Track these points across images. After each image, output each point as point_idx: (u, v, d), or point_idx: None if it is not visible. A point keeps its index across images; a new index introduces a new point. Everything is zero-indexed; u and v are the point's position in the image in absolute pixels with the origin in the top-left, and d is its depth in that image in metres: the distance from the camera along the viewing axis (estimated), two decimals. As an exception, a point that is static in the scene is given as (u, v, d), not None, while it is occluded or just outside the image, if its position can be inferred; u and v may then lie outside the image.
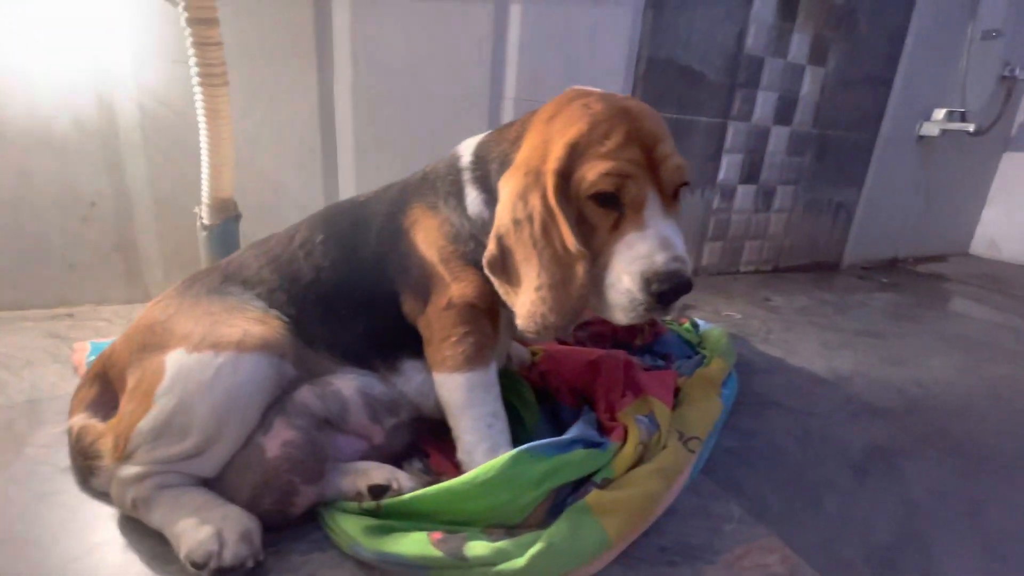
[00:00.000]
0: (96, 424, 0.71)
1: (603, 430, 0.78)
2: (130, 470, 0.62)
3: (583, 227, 0.65)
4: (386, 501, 0.62)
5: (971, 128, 2.18)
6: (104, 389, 0.74)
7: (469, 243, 0.73)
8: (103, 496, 0.67)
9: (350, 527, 0.59)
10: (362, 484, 0.64)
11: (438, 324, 0.72)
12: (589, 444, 0.69)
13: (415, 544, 0.56)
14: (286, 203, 1.36)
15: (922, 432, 1.01)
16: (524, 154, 0.68)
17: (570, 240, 0.63)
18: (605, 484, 0.66)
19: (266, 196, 1.34)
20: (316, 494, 0.64)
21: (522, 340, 1.13)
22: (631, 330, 1.19)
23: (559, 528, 0.59)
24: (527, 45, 1.49)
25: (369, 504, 0.62)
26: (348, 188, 1.39)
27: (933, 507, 0.80)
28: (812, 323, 1.62)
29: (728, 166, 1.99)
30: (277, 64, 1.27)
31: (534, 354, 1.05)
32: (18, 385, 0.90)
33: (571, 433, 0.70)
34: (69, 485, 0.69)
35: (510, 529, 0.62)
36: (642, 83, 1.69)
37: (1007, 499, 0.84)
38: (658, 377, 0.91)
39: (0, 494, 0.67)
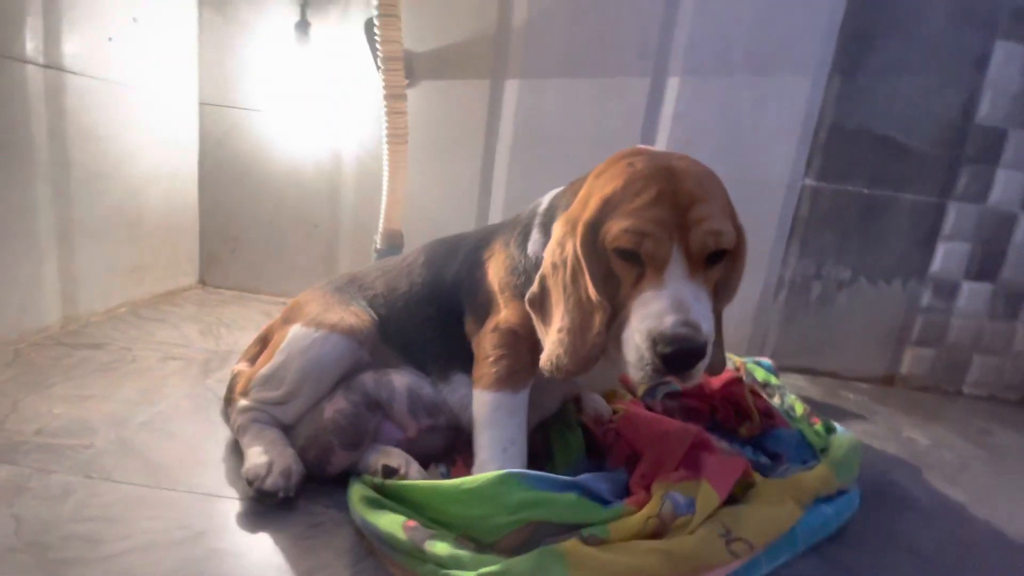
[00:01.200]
0: (246, 369, 0.96)
1: (629, 495, 0.72)
2: (242, 403, 0.83)
3: (611, 280, 0.67)
4: (389, 482, 0.70)
5: None
6: (262, 348, 1.00)
7: (522, 277, 0.80)
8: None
9: (354, 493, 0.69)
10: (380, 462, 0.74)
11: (483, 344, 0.79)
12: (591, 495, 0.66)
13: (390, 523, 0.62)
14: (442, 231, 1.61)
15: None
16: (572, 205, 0.73)
17: (591, 289, 0.65)
18: (592, 541, 0.62)
19: (428, 234, 1.61)
20: (350, 460, 0.76)
21: (608, 395, 1.10)
22: (738, 415, 1.05)
23: (521, 561, 0.58)
24: (681, 115, 1.51)
25: (377, 480, 0.71)
26: (498, 218, 1.58)
27: None
28: None
29: (947, 256, 1.61)
30: (454, 130, 1.55)
31: (615, 412, 1.02)
32: (227, 339, 1.26)
33: (576, 477, 0.67)
34: (217, 408, 0.94)
35: (480, 545, 0.63)
36: (822, 152, 1.53)
37: None
38: (725, 462, 0.80)
39: (176, 404, 0.96)
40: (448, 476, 0.79)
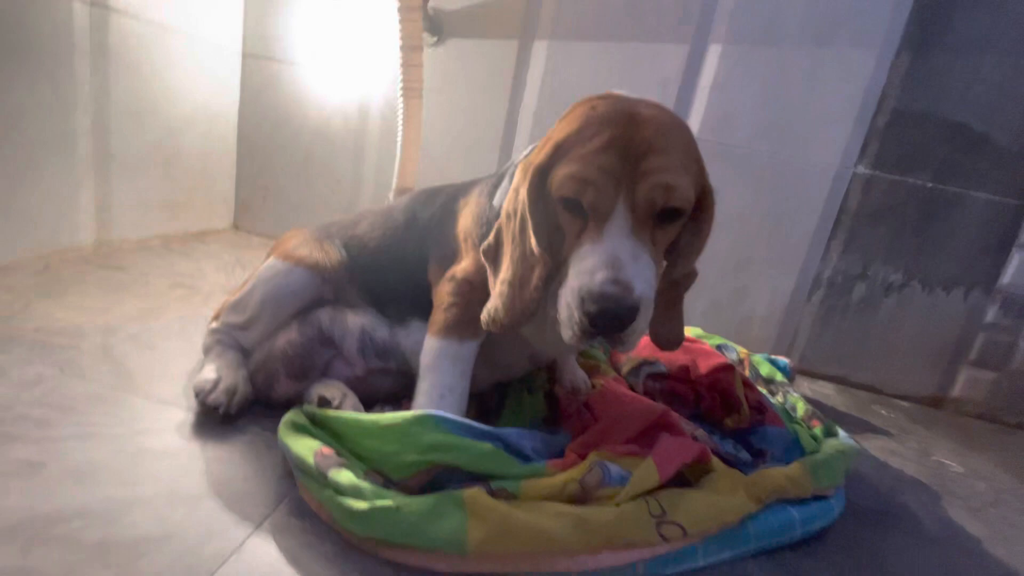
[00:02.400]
0: (232, 300, 1.00)
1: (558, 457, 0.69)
2: (212, 325, 0.87)
3: (558, 233, 0.62)
4: (321, 411, 0.70)
5: None
6: None
7: (484, 227, 0.77)
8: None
9: (285, 418, 0.69)
10: (318, 392, 0.74)
11: (439, 292, 0.78)
12: (511, 449, 0.63)
13: (303, 447, 0.62)
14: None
15: None
16: (533, 151, 0.69)
17: (533, 241, 0.61)
18: (500, 494, 0.59)
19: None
20: (294, 389, 0.77)
21: (591, 368, 1.06)
22: (725, 406, 0.97)
23: (418, 501, 0.56)
24: (720, 86, 1.40)
25: (310, 408, 0.71)
26: None
27: None
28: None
29: (1021, 267, 1.40)
30: (477, 90, 1.53)
31: (594, 387, 0.98)
32: (239, 277, 1.32)
33: (499, 429, 0.65)
34: (202, 332, 0.99)
35: (388, 481, 0.61)
36: (879, 137, 1.37)
37: None
38: (679, 444, 0.74)
39: (167, 324, 1.01)
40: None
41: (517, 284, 0.62)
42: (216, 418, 0.74)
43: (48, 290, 1.04)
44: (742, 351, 1.22)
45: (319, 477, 0.59)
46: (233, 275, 1.34)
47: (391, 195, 1.47)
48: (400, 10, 1.21)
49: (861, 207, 1.42)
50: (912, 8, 1.29)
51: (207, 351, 0.84)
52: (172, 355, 0.90)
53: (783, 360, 1.28)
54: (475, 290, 0.74)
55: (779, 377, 1.14)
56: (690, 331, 1.20)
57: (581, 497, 0.62)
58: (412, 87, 1.29)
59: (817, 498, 0.76)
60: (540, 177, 0.61)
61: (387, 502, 0.56)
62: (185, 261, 1.38)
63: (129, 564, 0.49)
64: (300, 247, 0.87)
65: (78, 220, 1.25)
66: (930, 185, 1.38)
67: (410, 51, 1.25)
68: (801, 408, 1.02)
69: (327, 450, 0.63)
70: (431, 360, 0.74)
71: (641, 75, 1.44)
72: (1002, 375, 1.47)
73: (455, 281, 0.76)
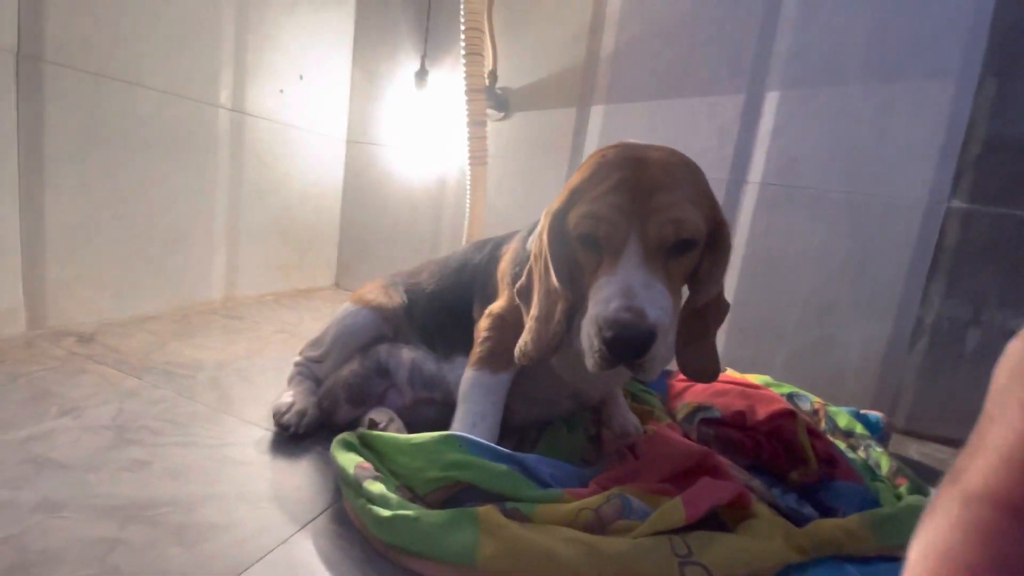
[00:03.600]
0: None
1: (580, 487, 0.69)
2: (295, 359, 1.01)
3: (577, 269, 0.68)
4: (368, 432, 0.78)
5: None
6: None
7: (518, 267, 0.84)
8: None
9: (339, 437, 0.78)
10: (369, 417, 0.83)
11: (478, 327, 0.85)
12: (528, 473, 0.65)
13: (347, 461, 0.70)
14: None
15: None
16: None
17: (553, 278, 0.67)
18: (513, 515, 0.61)
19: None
20: (353, 414, 0.87)
21: (644, 413, 1.04)
22: (791, 459, 0.89)
23: (436, 513, 0.60)
24: (781, 129, 1.38)
25: (361, 430, 0.79)
26: None
27: None
28: None
29: None
30: (539, 155, 1.66)
31: (646, 432, 0.97)
32: (327, 324, 1.51)
33: (520, 454, 0.67)
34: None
35: (413, 496, 0.66)
36: (974, 168, 1.25)
37: None
38: (715, 484, 0.70)
39: (267, 361, 1.19)
40: (433, 446, 0.84)
41: (543, 319, 0.68)
42: (287, 436, 0.85)
43: (182, 333, 1.28)
44: (817, 400, 1.12)
45: (356, 487, 0.66)
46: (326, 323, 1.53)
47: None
48: (467, 92, 1.39)
49: (962, 245, 1.28)
50: (990, 32, 1.21)
51: (289, 381, 0.98)
52: (265, 386, 1.05)
53: (875, 415, 1.15)
54: (508, 325, 0.81)
55: (859, 430, 1.02)
56: (755, 378, 1.13)
57: (595, 526, 0.62)
58: (478, 156, 1.44)
59: (884, 558, 0.67)
60: (558, 220, 0.68)
61: (408, 512, 0.60)
62: (290, 313, 1.60)
63: (196, 544, 0.59)
64: (369, 292, 1.00)
65: (212, 281, 1.53)
66: (1041, 216, 1.22)
67: (476, 126, 1.42)
68: (886, 464, 0.91)
69: (366, 464, 0.70)
70: (466, 389, 0.80)
71: (697, 127, 1.48)
72: None
73: (491, 317, 0.83)
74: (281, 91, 1.62)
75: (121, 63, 1.21)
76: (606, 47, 1.55)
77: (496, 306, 0.83)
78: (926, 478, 0.89)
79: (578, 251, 0.66)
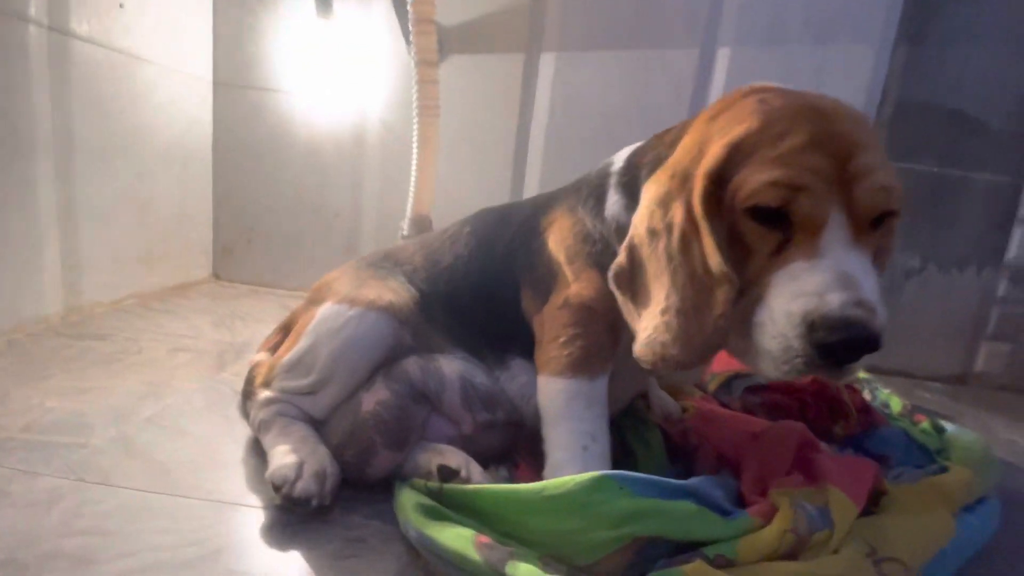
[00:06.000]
0: (266, 359, 0.84)
1: (741, 504, 0.59)
2: (264, 394, 0.71)
3: (735, 248, 0.53)
4: (449, 486, 0.56)
5: None
6: (284, 336, 0.89)
7: (598, 244, 0.67)
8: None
9: (405, 500, 0.56)
10: (434, 463, 0.60)
11: (550, 323, 0.67)
12: (708, 503, 0.52)
13: (458, 539, 0.49)
14: (473, 228, 1.50)
15: None
16: (675, 155, 0.60)
17: (714, 258, 0.51)
18: (720, 562, 0.49)
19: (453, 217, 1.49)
20: (394, 461, 0.63)
21: (674, 390, 0.97)
22: (832, 412, 0.90)
23: (632, 588, 0.45)
24: (734, 86, 1.39)
25: (433, 484, 0.57)
26: None
27: None
28: None
29: (1023, 242, 1.46)
30: (485, 108, 1.44)
31: (685, 410, 0.89)
32: (243, 332, 1.14)
33: (687, 482, 0.54)
34: (233, 403, 0.82)
35: (573, 569, 0.49)
36: (888, 129, 1.40)
37: None
38: (850, 465, 0.66)
39: (187, 398, 0.83)
40: (512, 481, 0.65)
41: (691, 311, 0.53)
42: (305, 513, 0.58)
43: (23, 374, 0.83)
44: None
45: (484, 567, 0.46)
46: (236, 330, 1.16)
47: (405, 225, 1.34)
48: (413, 22, 1.11)
49: (877, 197, 1.45)
50: (904, 1, 1.34)
51: (264, 428, 0.68)
52: (210, 438, 0.73)
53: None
54: (597, 317, 0.65)
55: (862, 374, 1.10)
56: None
57: (796, 549, 0.52)
58: (428, 105, 1.18)
59: (979, 500, 0.70)
60: (716, 185, 0.53)
61: (596, 596, 0.43)
62: (173, 320, 1.18)
63: None
64: (363, 288, 0.74)
65: (43, 286, 1.03)
66: (936, 170, 1.43)
67: (425, 66, 1.15)
68: (896, 404, 0.99)
69: (484, 538, 0.50)
70: (562, 405, 0.63)
71: (652, 81, 1.41)
72: (1017, 346, 1.52)
73: (571, 308, 0.66)
74: (121, 5, 1.11)
75: None
76: (555, -15, 1.38)
77: (575, 294, 0.66)
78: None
79: (745, 226, 0.52)
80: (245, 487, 0.63)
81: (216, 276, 1.57)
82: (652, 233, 0.57)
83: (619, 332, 0.66)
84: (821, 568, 0.50)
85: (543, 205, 0.78)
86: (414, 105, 1.19)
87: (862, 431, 0.88)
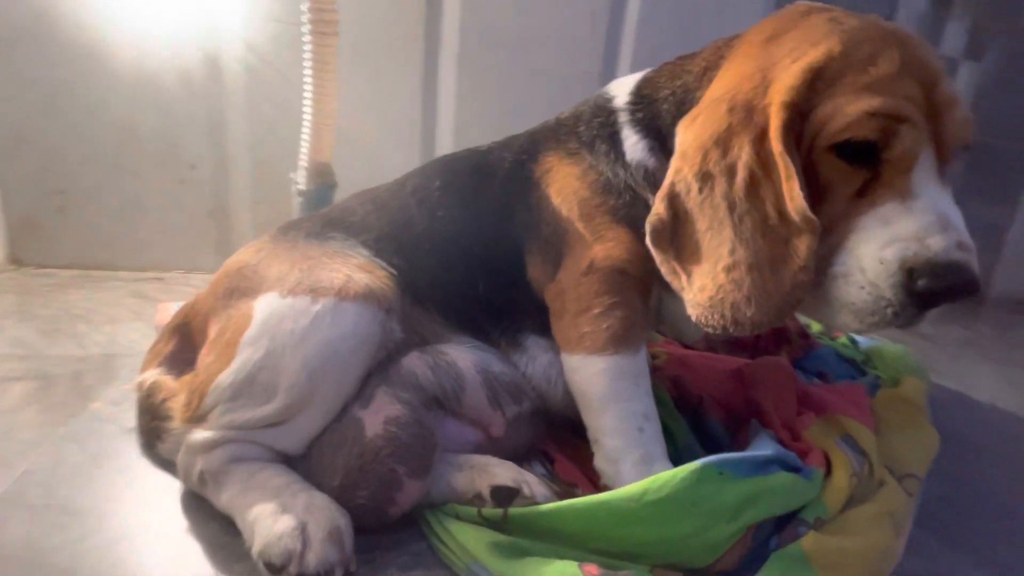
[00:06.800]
0: (169, 380, 0.60)
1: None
2: (201, 435, 0.50)
3: (809, 190, 0.47)
4: (515, 510, 0.46)
5: None
6: (184, 343, 0.65)
7: (624, 195, 0.58)
8: (168, 465, 0.55)
9: (469, 540, 0.44)
10: (483, 484, 0.49)
11: (575, 293, 0.57)
12: (787, 467, 0.50)
13: (560, 574, 0.40)
14: (382, 179, 1.27)
15: None
16: (725, 85, 0.51)
17: (798, 201, 0.45)
18: (819, 525, 0.47)
19: (361, 171, 1.24)
20: (422, 491, 0.49)
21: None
22: (777, 339, 0.97)
23: (766, 581, 0.41)
24: (647, 21, 1.34)
25: (493, 512, 0.46)
26: None
27: None
28: (984, 356, 1.32)
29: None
30: (384, 35, 1.19)
31: (656, 357, 0.87)
32: (95, 338, 0.83)
33: (763, 449, 0.51)
34: (131, 448, 0.58)
35: (688, 571, 0.43)
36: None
37: None
38: (844, 392, 0.70)
39: (53, 451, 0.57)
40: (551, 477, 0.57)
41: (766, 265, 0.47)
42: (325, 588, 0.43)
43: None
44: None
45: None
46: (85, 337, 0.83)
47: (299, 176, 1.08)
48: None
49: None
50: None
51: (215, 482, 0.49)
52: (115, 515, 0.50)
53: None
54: (633, 282, 0.57)
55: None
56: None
57: (856, 487, 0.54)
58: (324, 19, 0.92)
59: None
60: (796, 117, 0.46)
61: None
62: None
63: None
64: (322, 270, 0.55)
65: None
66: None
67: (319, -35, 0.88)
68: (815, 325, 1.10)
69: (592, 567, 0.41)
70: (606, 387, 0.55)
71: (568, 11, 1.30)
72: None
73: (600, 273, 0.56)
74: None
75: None
76: None
77: (603, 256, 0.56)
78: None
79: (827, 165, 0.47)
80: (213, 570, 0.44)
81: (16, 261, 1.12)
82: (704, 177, 0.49)
83: (650, 295, 0.59)
84: (884, 504, 0.52)
85: (528, 150, 0.66)
86: (304, 19, 0.91)
87: (803, 353, 0.97)
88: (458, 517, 0.48)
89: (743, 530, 0.44)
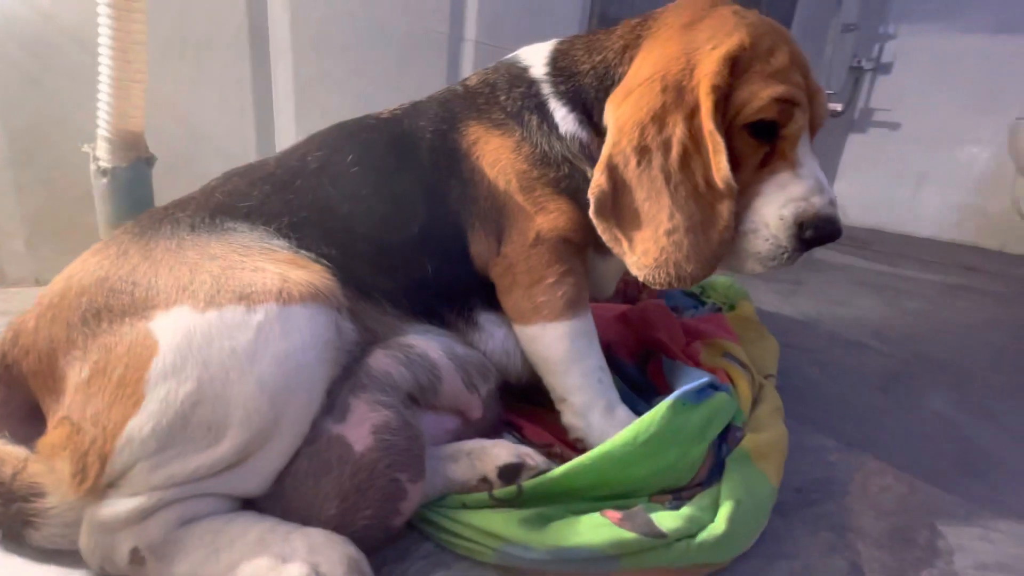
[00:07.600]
0: (11, 449, 0.44)
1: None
2: (123, 505, 0.39)
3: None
4: (528, 483, 0.47)
5: (839, 108, 2.53)
6: (9, 393, 0.47)
7: (562, 167, 0.60)
8: (55, 556, 0.41)
9: (496, 525, 0.43)
10: (486, 467, 0.48)
11: (525, 265, 0.58)
12: (716, 388, 0.61)
13: (599, 530, 0.43)
14: (207, 152, 1.04)
15: (906, 355, 1.11)
16: (652, 66, 0.56)
17: (725, 172, 0.53)
18: (746, 432, 0.59)
19: (180, 143, 1.01)
20: (422, 492, 0.46)
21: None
22: (638, 285, 1.13)
23: (734, 483, 0.50)
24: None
25: (507, 491, 0.46)
26: (287, 134, 1.12)
27: (960, 417, 0.87)
28: (761, 278, 1.73)
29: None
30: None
31: None
32: None
33: (698, 378, 0.60)
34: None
35: (675, 493, 0.51)
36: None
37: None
38: (711, 320, 0.86)
39: None
40: (522, 441, 0.59)
41: (698, 227, 0.54)
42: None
43: None
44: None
45: (655, 541, 0.43)
46: None
47: (97, 151, 0.83)
48: None
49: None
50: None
51: (164, 556, 0.38)
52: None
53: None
54: (578, 249, 0.61)
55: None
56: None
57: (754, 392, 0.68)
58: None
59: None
60: (722, 99, 0.53)
61: (727, 506, 0.47)
62: None
63: None
64: (240, 271, 0.46)
65: None
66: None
67: None
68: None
69: (612, 512, 0.45)
70: (568, 349, 0.58)
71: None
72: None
73: (548, 244, 0.59)
74: None
75: None
76: None
77: (548, 228, 0.58)
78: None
79: (741, 141, 0.55)
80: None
81: None
82: (642, 151, 0.55)
83: (587, 259, 0.63)
84: (772, 401, 0.67)
85: (443, 118, 0.63)
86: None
87: (658, 294, 1.15)
88: (466, 506, 0.46)
89: (707, 447, 0.53)
